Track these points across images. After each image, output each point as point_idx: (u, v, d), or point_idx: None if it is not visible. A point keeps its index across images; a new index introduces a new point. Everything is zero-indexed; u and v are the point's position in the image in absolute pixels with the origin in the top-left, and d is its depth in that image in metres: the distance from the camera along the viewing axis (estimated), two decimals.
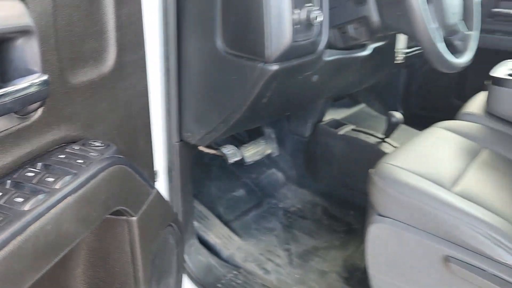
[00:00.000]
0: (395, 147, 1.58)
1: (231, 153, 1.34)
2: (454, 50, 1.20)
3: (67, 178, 0.58)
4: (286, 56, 0.97)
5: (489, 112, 1.36)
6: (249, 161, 1.58)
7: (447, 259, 0.94)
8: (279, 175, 1.81)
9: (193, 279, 1.28)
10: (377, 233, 1.04)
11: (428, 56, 1.07)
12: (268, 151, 1.70)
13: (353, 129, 1.72)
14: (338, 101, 2.03)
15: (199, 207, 1.49)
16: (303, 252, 1.43)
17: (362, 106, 2.12)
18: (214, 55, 1.04)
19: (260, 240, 1.48)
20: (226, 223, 1.51)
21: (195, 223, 1.41)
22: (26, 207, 0.51)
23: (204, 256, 1.33)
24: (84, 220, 0.59)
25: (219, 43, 1.02)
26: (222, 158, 1.45)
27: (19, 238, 0.48)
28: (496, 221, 0.93)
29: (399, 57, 1.32)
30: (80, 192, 0.58)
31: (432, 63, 1.11)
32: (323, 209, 1.67)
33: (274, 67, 0.97)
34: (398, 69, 2.19)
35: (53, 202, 0.54)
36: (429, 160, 1.13)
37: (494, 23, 2.06)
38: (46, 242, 0.52)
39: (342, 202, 1.66)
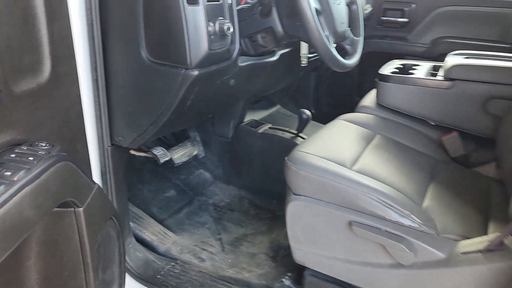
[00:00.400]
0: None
1: (161, 154, 1.45)
2: (345, 53, 1.43)
3: (22, 172, 0.67)
4: (205, 62, 1.12)
5: (379, 103, 1.62)
6: (178, 162, 1.69)
7: (350, 223, 1.14)
8: (207, 175, 1.94)
9: (133, 274, 1.36)
10: (294, 210, 1.22)
11: (324, 59, 1.28)
12: (195, 152, 1.84)
13: (270, 127, 1.91)
14: (256, 103, 2.22)
15: (134, 209, 1.58)
16: (234, 240, 1.58)
17: (277, 107, 2.33)
18: (140, 64, 1.15)
19: (194, 233, 1.60)
20: (161, 222, 1.61)
21: (131, 224, 1.49)
22: None
23: (142, 253, 1.42)
24: (40, 207, 0.69)
25: (144, 53, 1.14)
26: (152, 161, 1.55)
27: None
28: (386, 189, 1.15)
29: (304, 61, 1.53)
30: (35, 183, 0.67)
31: (328, 64, 1.32)
32: (249, 201, 1.83)
33: (195, 72, 1.11)
34: (307, 72, 2.44)
35: (14, 191, 0.63)
36: (333, 146, 1.34)
37: (383, 29, 2.39)
38: (11, 225, 0.61)
39: (266, 193, 1.84)
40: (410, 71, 1.65)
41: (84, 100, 1.11)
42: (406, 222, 1.10)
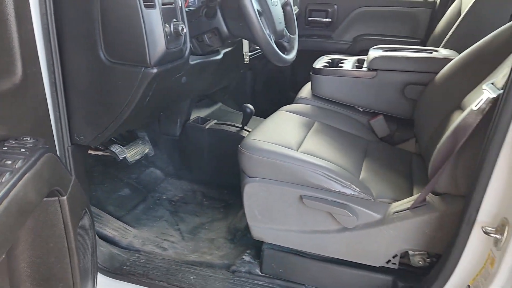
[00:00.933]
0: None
1: (119, 151, 1.52)
2: (284, 49, 1.60)
3: (20, 161, 0.74)
4: (162, 61, 1.22)
5: (314, 94, 1.81)
6: (131, 161, 1.76)
7: (301, 197, 1.30)
8: (158, 172, 2.02)
9: (100, 269, 1.41)
10: (249, 191, 1.36)
11: (267, 55, 1.43)
12: (146, 151, 1.90)
13: (216, 123, 2.03)
14: (199, 102, 2.33)
15: (91, 208, 1.61)
16: (192, 229, 1.68)
17: (219, 105, 2.46)
18: (99, 65, 1.22)
19: (153, 226, 1.67)
20: (119, 218, 1.66)
21: None
22: (2, 179, 0.67)
23: (105, 247, 1.48)
24: (39, 192, 0.76)
25: (103, 55, 1.21)
26: (103, 163, 1.60)
27: (6, 200, 0.64)
28: (329, 165, 1.32)
29: (246, 59, 1.68)
30: (33, 170, 0.74)
31: (270, 60, 1.48)
32: (202, 194, 1.94)
33: (155, 70, 1.21)
34: (244, 72, 2.60)
35: (19, 176, 0.70)
36: (279, 133, 1.50)
37: (310, 29, 2.62)
38: (20, 205, 0.68)
39: (217, 185, 1.96)
40: (339, 65, 1.86)
41: (48, 101, 1.16)
42: (348, 191, 1.28)
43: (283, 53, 1.55)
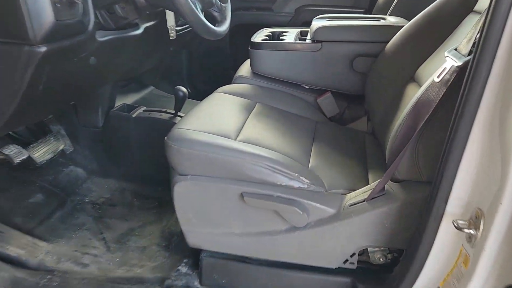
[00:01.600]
0: None
1: (14, 152, 1.23)
2: (215, 21, 1.36)
3: None
4: (53, 36, 0.95)
5: (254, 72, 1.59)
6: (40, 161, 1.47)
7: (242, 195, 1.09)
8: (79, 171, 1.73)
9: None
10: (181, 192, 1.13)
11: (194, 27, 1.19)
12: (61, 147, 1.61)
13: (145, 110, 1.77)
14: (125, 86, 2.04)
15: None
16: (119, 236, 1.43)
17: (150, 88, 2.18)
18: None
19: (71, 238, 1.41)
20: (28, 232, 1.38)
21: None
22: None
23: (7, 272, 1.20)
24: None
25: None
26: (7, 165, 1.31)
27: None
28: (272, 155, 1.12)
29: (172, 33, 1.42)
30: None
31: (198, 33, 1.24)
32: (132, 192, 1.68)
33: (43, 48, 0.94)
34: (178, 50, 2.32)
35: None
36: (213, 119, 1.27)
37: (248, 1, 2.38)
38: None
39: (149, 181, 1.71)
40: (281, 38, 1.65)
41: None
42: (296, 184, 1.09)
43: (214, 25, 1.31)
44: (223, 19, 1.39)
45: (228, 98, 1.46)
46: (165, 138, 1.15)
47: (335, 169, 1.19)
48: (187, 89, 1.73)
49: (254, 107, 1.43)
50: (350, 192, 1.12)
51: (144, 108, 1.79)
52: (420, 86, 1.13)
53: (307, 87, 1.63)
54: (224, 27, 1.35)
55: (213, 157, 1.09)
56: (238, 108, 1.39)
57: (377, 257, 1.11)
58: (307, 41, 1.57)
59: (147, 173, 1.73)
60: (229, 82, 1.67)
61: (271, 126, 1.33)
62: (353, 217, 1.05)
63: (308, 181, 1.10)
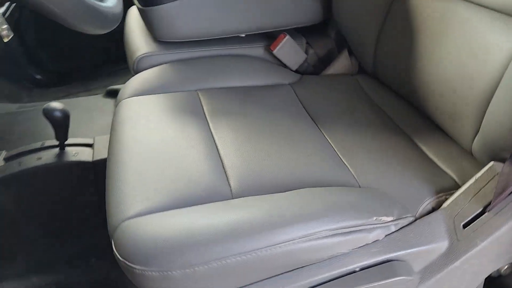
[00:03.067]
0: None
1: None
2: None
3: None
4: None
5: (160, 40, 0.98)
6: None
7: None
8: None
9: None
10: None
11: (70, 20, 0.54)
12: None
13: (6, 159, 1.06)
14: None
15: None
16: None
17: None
18: None
19: None
20: None
21: None
22: None
23: None
24: None
25: None
26: None
27: None
28: (308, 206, 0.63)
29: (4, 33, 0.72)
30: None
31: (70, 25, 0.59)
32: None
33: None
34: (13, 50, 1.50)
35: None
36: (172, 169, 0.70)
37: None
38: None
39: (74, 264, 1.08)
40: None
41: None
42: (375, 233, 0.62)
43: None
44: None
45: (154, 106, 0.86)
46: (115, 253, 0.57)
47: (389, 170, 0.74)
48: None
49: (201, 103, 0.87)
50: (440, 199, 0.69)
51: (3, 154, 1.08)
52: None
53: (243, 35, 1.08)
54: (112, 1, 0.69)
55: (229, 265, 0.55)
56: (185, 120, 0.81)
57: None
58: None
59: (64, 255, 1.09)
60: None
61: (250, 129, 0.80)
62: (478, 243, 0.64)
63: (390, 217, 0.64)
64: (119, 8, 0.66)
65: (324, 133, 0.81)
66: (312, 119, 0.85)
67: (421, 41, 0.81)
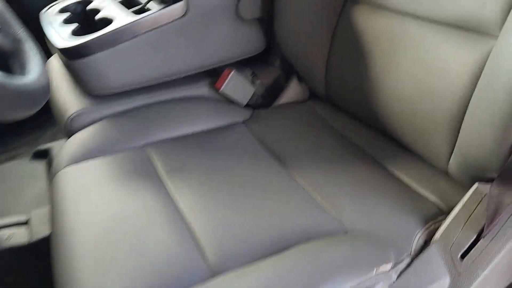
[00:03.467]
0: None
1: None
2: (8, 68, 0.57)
3: None
4: None
5: (95, 94, 0.87)
6: None
7: None
8: None
9: None
10: None
11: None
12: None
13: None
14: None
15: None
16: None
17: None
18: None
19: None
20: None
21: None
22: None
23: None
24: None
25: None
26: None
27: None
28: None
29: None
30: None
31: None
32: None
33: None
34: None
35: None
36: (135, 251, 0.60)
37: None
38: None
39: None
40: (100, 18, 0.92)
41: None
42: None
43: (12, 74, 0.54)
44: (26, 58, 0.60)
45: (98, 173, 0.75)
46: None
47: (370, 205, 0.69)
48: None
49: (151, 162, 0.77)
50: (430, 229, 0.65)
51: None
52: None
53: (183, 75, 0.99)
54: (35, 74, 0.57)
55: None
56: (138, 186, 0.71)
57: None
58: (158, 7, 0.89)
59: None
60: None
61: (213, 184, 0.72)
62: (480, 273, 0.61)
63: (389, 263, 0.58)
64: (45, 78, 0.55)
65: (292, 175, 0.75)
66: (276, 160, 0.79)
67: (374, 61, 0.78)
